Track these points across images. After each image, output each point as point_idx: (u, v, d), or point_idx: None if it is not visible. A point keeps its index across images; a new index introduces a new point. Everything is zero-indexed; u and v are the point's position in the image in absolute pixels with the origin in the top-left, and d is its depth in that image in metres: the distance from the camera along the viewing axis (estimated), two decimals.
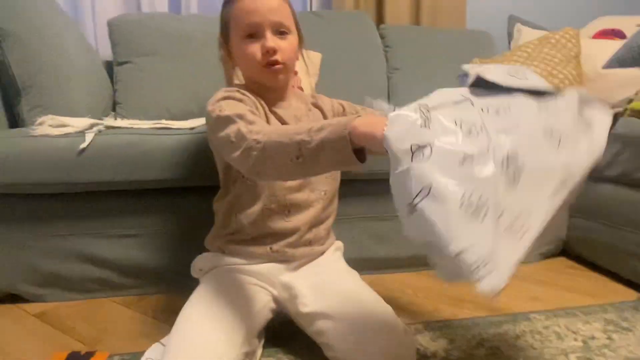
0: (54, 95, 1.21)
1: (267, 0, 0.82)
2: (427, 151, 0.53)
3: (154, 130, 1.11)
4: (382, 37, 1.94)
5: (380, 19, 2.11)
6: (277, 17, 0.82)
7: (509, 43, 2.05)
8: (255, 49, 0.82)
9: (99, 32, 1.82)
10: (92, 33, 1.83)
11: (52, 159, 1.02)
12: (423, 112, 0.56)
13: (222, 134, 0.72)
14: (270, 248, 0.88)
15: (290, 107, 0.91)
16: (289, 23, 0.85)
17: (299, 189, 0.88)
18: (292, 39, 0.85)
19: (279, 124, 0.87)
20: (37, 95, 1.18)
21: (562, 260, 1.40)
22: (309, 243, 0.91)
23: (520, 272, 1.31)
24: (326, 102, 0.99)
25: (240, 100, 0.81)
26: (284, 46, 0.83)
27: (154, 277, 1.13)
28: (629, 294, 1.16)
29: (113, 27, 1.60)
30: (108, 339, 0.94)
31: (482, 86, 0.66)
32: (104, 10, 1.83)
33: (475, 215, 0.52)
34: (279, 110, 0.89)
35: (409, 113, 0.56)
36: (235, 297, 0.82)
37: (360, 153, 0.59)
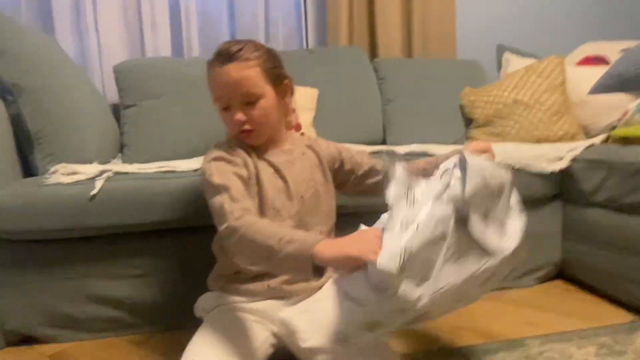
0: (65, 143, 1.28)
1: (231, 74, 0.86)
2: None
3: (159, 174, 1.17)
4: (375, 70, 2.02)
5: (373, 53, 2.19)
6: (242, 89, 0.87)
7: (498, 71, 2.13)
8: (228, 119, 0.90)
9: (106, 77, 1.92)
10: (99, 77, 1.92)
11: (65, 206, 1.08)
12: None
13: (210, 200, 0.82)
14: (268, 285, 0.92)
15: (283, 152, 0.96)
16: (257, 89, 0.88)
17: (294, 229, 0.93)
18: (262, 103, 0.89)
19: (272, 170, 0.92)
20: (49, 144, 1.25)
21: (558, 283, 1.43)
22: (306, 279, 0.94)
23: (516, 297, 1.36)
24: (322, 145, 1.03)
25: (229, 162, 0.87)
26: (254, 114, 0.88)
27: (161, 315, 1.18)
28: (623, 316, 1.19)
29: (119, 72, 1.68)
30: None
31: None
32: (110, 56, 1.92)
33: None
34: (271, 158, 0.94)
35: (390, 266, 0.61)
36: (236, 333, 0.86)
37: (319, 268, 0.68)
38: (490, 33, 2.39)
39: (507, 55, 2.07)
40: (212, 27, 2.12)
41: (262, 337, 0.88)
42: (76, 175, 1.12)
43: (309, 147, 1.02)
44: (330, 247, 0.67)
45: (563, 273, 1.45)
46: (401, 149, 1.31)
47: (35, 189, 1.09)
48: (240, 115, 0.88)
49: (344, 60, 1.97)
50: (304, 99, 1.79)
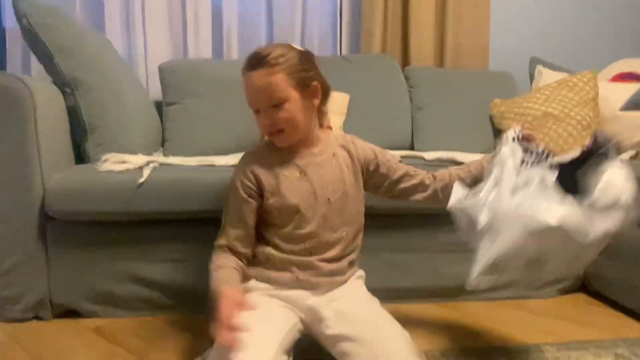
0: (115, 135, 1.38)
1: (256, 80, 0.91)
2: None
3: (200, 167, 1.26)
4: (406, 78, 2.06)
5: (405, 61, 2.24)
6: (267, 94, 0.91)
7: (531, 84, 2.14)
8: (259, 121, 0.96)
9: (150, 75, 2.03)
10: (144, 75, 2.04)
11: (114, 192, 1.17)
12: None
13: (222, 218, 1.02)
14: (297, 278, 0.97)
15: (311, 154, 1.00)
16: (282, 93, 0.91)
17: (321, 232, 0.97)
18: (288, 106, 0.92)
19: (298, 173, 0.98)
20: (101, 135, 1.36)
21: (580, 296, 1.44)
22: (331, 274, 0.99)
23: (536, 306, 1.38)
24: (358, 145, 1.05)
25: (242, 186, 0.98)
26: (280, 117, 0.92)
27: (195, 298, 1.25)
28: None
29: (163, 72, 1.79)
30: (156, 353, 1.06)
31: None
32: (155, 55, 2.04)
33: None
34: (298, 160, 0.99)
35: None
36: (268, 316, 0.91)
37: None
38: (523, 46, 2.40)
39: (540, 69, 2.08)
40: (251, 30, 2.20)
41: (292, 322, 0.94)
42: (125, 164, 1.22)
43: (343, 146, 1.04)
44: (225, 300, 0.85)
45: (585, 286, 1.46)
46: (429, 155, 1.35)
47: (88, 175, 1.19)
48: (267, 118, 0.93)
49: (376, 68, 2.03)
50: (335, 104, 1.85)
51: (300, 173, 0.98)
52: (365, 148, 1.06)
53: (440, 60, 2.27)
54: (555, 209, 0.73)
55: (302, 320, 0.96)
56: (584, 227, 0.74)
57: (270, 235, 1.00)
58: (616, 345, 1.09)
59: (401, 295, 1.35)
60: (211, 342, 0.91)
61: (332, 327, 0.91)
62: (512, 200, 0.75)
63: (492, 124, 1.94)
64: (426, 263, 1.34)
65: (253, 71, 0.92)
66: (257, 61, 0.91)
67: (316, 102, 0.98)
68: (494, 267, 0.69)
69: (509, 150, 0.88)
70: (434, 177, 1.07)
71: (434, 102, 1.99)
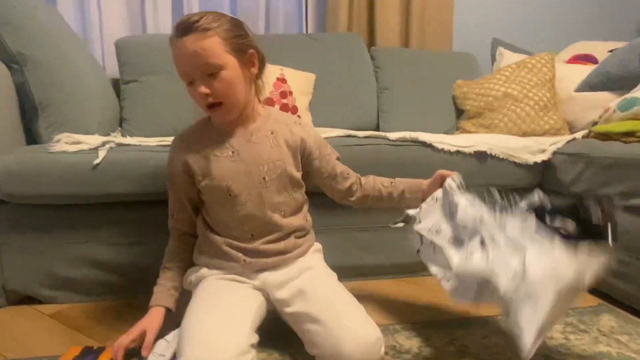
0: (68, 114, 1.32)
1: (189, 45, 0.83)
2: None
3: (159, 147, 1.22)
4: (372, 58, 2.07)
5: (371, 41, 2.23)
6: (201, 60, 0.83)
7: (492, 65, 2.19)
8: (194, 93, 0.87)
9: (106, 52, 1.94)
10: (100, 52, 1.95)
11: (68, 173, 1.12)
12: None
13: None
14: (244, 260, 0.96)
15: (247, 132, 0.95)
16: (217, 59, 0.84)
17: (258, 213, 0.95)
18: (224, 74, 0.85)
19: (230, 152, 0.94)
20: (53, 114, 1.29)
21: None
22: (280, 253, 0.97)
23: None
24: (303, 127, 1.01)
25: (173, 174, 0.98)
26: (217, 86, 0.85)
27: (155, 281, 1.23)
28: (591, 300, 1.27)
29: (120, 48, 1.72)
30: (117, 336, 1.03)
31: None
32: (111, 31, 1.95)
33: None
34: (232, 139, 0.95)
35: None
36: (235, 294, 0.92)
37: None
38: (486, 27, 2.44)
39: (501, 50, 2.12)
40: (213, 7, 2.14)
41: (258, 300, 0.94)
42: (80, 144, 1.17)
43: (286, 124, 0.99)
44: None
45: None
46: (392, 135, 1.37)
47: (40, 156, 1.14)
48: (203, 88, 0.85)
49: (342, 47, 2.02)
50: (301, 83, 1.83)
51: (232, 152, 0.94)
52: (310, 134, 1.02)
53: (406, 40, 2.28)
54: (571, 263, 0.74)
55: (266, 299, 0.97)
56: (584, 272, 0.76)
57: (212, 221, 0.99)
58: (567, 315, 1.15)
59: (366, 272, 1.38)
60: (175, 324, 0.90)
61: (292, 305, 0.92)
62: (518, 258, 0.75)
63: (455, 104, 1.98)
64: (391, 240, 1.37)
65: (184, 37, 0.83)
66: (187, 26, 0.84)
67: (254, 71, 0.92)
68: (541, 331, 0.72)
69: (465, 200, 0.89)
70: (361, 184, 1.08)
71: (399, 82, 2.00)
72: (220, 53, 0.85)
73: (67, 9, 1.89)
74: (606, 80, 1.67)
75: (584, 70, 1.79)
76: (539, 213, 0.85)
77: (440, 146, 1.34)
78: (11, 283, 1.19)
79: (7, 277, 1.18)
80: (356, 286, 1.29)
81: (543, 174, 1.45)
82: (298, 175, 0.99)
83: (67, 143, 1.17)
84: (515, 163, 1.39)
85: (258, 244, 0.96)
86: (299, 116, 1.72)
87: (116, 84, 1.70)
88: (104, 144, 1.19)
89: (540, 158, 1.40)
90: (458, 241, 0.87)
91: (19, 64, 1.26)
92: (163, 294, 0.97)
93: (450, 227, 0.90)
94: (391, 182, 1.08)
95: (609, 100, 1.57)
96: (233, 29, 0.88)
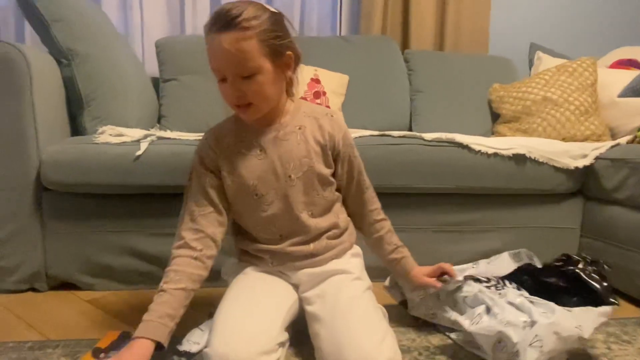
0: (112, 108, 1.37)
1: (226, 45, 0.78)
2: None
3: (197, 142, 1.24)
4: (406, 61, 2.06)
5: (405, 44, 2.23)
6: (237, 63, 0.79)
7: (530, 69, 2.14)
8: (225, 91, 0.84)
9: (147, 51, 2.00)
10: (140, 51, 2.01)
11: (111, 164, 1.16)
12: None
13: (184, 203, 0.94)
14: (271, 263, 0.95)
15: (274, 129, 0.91)
16: (255, 63, 0.80)
17: (285, 214, 0.92)
18: (259, 78, 0.81)
19: (258, 150, 0.91)
20: (97, 108, 1.34)
21: None
22: (310, 256, 0.94)
23: None
24: (335, 121, 0.95)
25: (201, 162, 0.93)
26: (249, 89, 0.82)
27: None
28: (633, 310, 1.22)
29: (160, 47, 1.77)
30: None
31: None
32: (152, 31, 2.01)
33: None
34: (259, 136, 0.91)
35: None
36: (270, 288, 0.92)
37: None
38: (523, 31, 2.40)
39: (540, 54, 2.07)
40: None
41: (293, 297, 0.93)
42: (123, 137, 1.21)
43: (316, 118, 0.94)
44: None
45: None
46: (428, 136, 1.35)
47: (85, 146, 1.18)
48: (234, 90, 0.82)
49: (375, 50, 2.02)
50: (335, 84, 1.84)
51: (260, 151, 0.90)
52: (341, 128, 0.95)
53: (440, 44, 2.26)
54: (572, 317, 0.87)
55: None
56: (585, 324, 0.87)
57: (241, 223, 0.97)
58: (608, 324, 1.10)
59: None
60: (209, 314, 0.91)
61: (312, 304, 0.90)
62: (524, 315, 0.88)
63: (491, 108, 1.94)
64: (424, 242, 1.35)
65: (222, 33, 0.78)
66: (227, 21, 0.78)
67: (289, 73, 0.88)
68: None
69: (471, 288, 1.00)
70: (376, 221, 1.03)
71: (433, 85, 1.98)
72: (256, 57, 0.80)
73: (111, 9, 1.96)
74: None
75: (628, 76, 1.73)
76: (530, 270, 1.05)
77: (477, 148, 1.32)
78: (53, 269, 1.23)
79: (50, 262, 1.23)
80: None
81: (584, 180, 1.40)
82: (327, 172, 0.93)
83: (110, 135, 1.21)
84: (555, 167, 1.35)
85: (286, 245, 0.94)
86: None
87: (156, 83, 1.75)
88: (145, 136, 1.22)
89: (582, 163, 1.36)
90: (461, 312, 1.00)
91: (67, 59, 1.32)
92: (152, 323, 0.80)
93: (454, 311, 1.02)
94: (396, 247, 1.04)
95: None
96: (273, 28, 0.82)
